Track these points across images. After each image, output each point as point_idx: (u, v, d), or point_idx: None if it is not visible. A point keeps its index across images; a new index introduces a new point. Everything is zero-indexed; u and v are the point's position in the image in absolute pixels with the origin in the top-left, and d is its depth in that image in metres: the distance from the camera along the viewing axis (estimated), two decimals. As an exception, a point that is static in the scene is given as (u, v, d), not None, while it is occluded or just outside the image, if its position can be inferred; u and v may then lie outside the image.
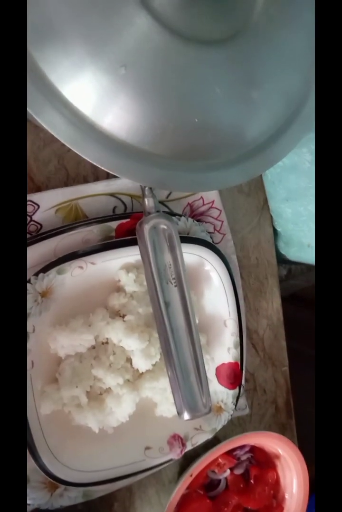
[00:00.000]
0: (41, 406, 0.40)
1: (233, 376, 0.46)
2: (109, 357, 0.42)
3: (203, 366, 0.38)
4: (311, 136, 0.39)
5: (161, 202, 0.45)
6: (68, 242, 0.40)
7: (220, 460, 0.50)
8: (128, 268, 0.42)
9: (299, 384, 0.57)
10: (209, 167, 0.35)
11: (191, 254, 0.42)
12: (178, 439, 0.45)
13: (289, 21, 0.35)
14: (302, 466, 0.50)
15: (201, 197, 0.47)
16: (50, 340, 0.40)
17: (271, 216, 0.54)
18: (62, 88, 0.30)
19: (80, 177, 0.44)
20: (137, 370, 0.43)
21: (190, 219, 0.44)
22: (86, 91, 0.30)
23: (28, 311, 0.38)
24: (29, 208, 0.42)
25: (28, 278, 0.38)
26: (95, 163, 0.31)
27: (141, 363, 0.42)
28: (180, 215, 0.44)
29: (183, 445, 0.45)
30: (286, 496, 0.52)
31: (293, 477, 0.51)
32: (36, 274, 0.38)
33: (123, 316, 0.42)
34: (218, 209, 0.48)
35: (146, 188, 0.38)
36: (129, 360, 0.42)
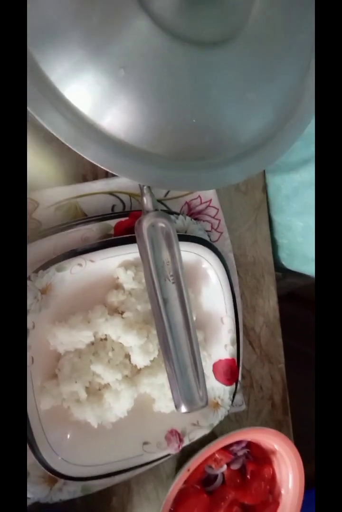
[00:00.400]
0: (40, 402, 0.40)
1: (230, 372, 0.46)
2: (108, 353, 0.42)
3: (200, 361, 0.38)
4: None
5: (159, 201, 0.46)
6: (67, 240, 0.41)
7: (217, 455, 0.50)
8: (126, 265, 0.42)
9: (295, 381, 0.57)
10: (206, 166, 0.35)
11: (189, 252, 0.43)
12: (175, 435, 0.45)
13: (286, 22, 0.35)
14: (298, 462, 0.51)
15: (199, 196, 0.47)
16: (50, 336, 0.41)
17: (272, 226, 0.54)
18: (62, 89, 0.30)
19: (79, 176, 0.44)
20: (136, 366, 0.43)
21: (187, 218, 0.44)
22: (86, 91, 0.30)
23: (28, 307, 0.38)
24: (29, 206, 0.42)
25: (28, 275, 0.38)
26: (94, 162, 0.32)
27: (140, 359, 0.42)
28: (178, 214, 0.44)
29: (181, 440, 0.45)
30: (282, 491, 0.52)
31: (289, 472, 0.52)
32: (36, 271, 0.38)
33: (122, 313, 0.42)
34: (216, 208, 0.48)
35: (145, 187, 0.39)
36: (127, 356, 0.43)
